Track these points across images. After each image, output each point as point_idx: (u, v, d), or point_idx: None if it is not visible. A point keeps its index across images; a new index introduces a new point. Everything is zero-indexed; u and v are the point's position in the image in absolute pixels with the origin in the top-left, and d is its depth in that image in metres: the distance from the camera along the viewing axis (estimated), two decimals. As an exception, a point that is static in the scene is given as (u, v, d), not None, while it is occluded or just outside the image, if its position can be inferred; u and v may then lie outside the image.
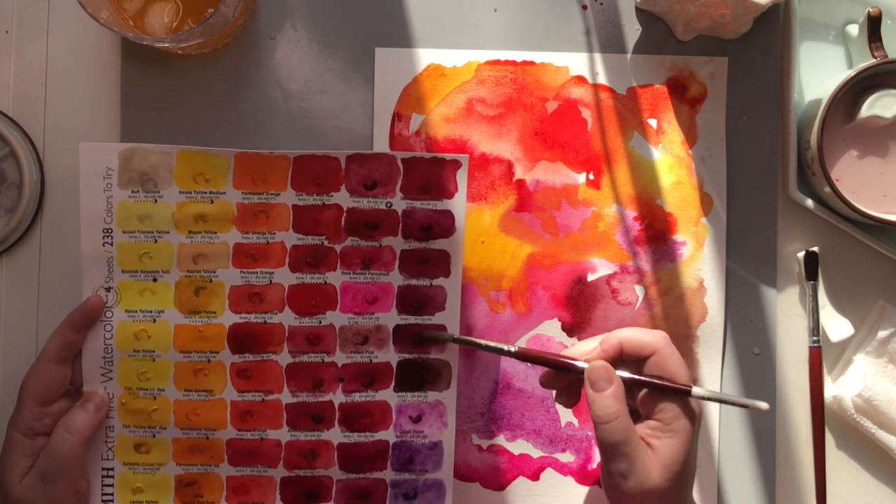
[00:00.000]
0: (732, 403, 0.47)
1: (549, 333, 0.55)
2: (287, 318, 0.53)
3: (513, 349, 0.50)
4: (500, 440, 0.55)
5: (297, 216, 0.52)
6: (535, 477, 0.55)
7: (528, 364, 0.55)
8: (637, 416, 0.48)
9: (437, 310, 0.53)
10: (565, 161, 0.55)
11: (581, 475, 0.55)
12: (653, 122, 0.55)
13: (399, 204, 0.52)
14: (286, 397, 0.53)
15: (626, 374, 0.48)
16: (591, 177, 0.55)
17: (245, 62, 0.55)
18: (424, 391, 0.53)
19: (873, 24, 0.53)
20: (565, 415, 0.55)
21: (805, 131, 0.54)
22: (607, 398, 0.46)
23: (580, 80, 0.55)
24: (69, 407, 0.51)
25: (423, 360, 0.53)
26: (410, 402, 0.53)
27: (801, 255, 0.55)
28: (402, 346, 0.53)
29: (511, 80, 0.55)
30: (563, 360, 0.49)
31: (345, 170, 0.52)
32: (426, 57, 0.55)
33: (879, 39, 0.53)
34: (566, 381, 0.50)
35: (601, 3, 0.56)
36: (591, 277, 0.55)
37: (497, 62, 0.55)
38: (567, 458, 0.55)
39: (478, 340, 0.52)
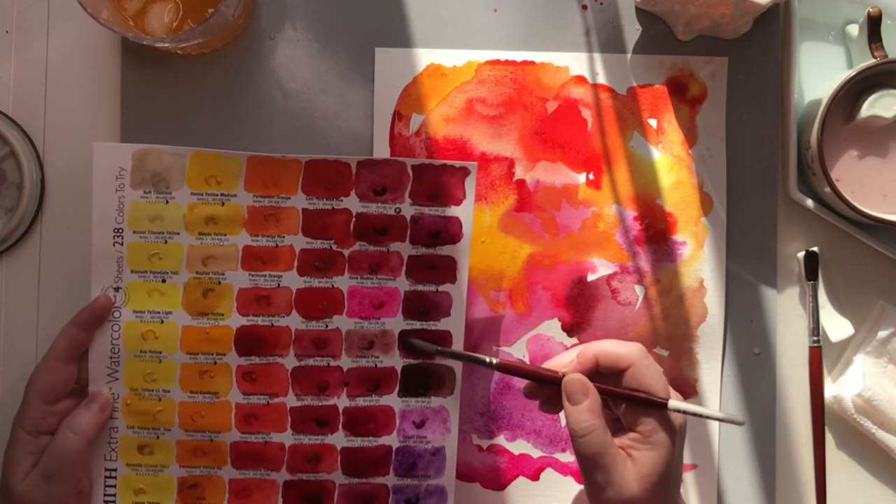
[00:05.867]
0: (708, 417, 0.47)
1: (550, 333, 0.55)
2: (294, 321, 0.53)
3: (494, 361, 0.50)
4: (500, 440, 0.55)
5: (306, 220, 0.53)
6: (535, 477, 0.55)
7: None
8: (621, 426, 0.48)
9: (443, 315, 0.53)
10: (565, 161, 0.55)
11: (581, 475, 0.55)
12: (653, 122, 0.55)
13: (408, 210, 0.52)
14: (291, 401, 0.53)
15: (604, 387, 0.48)
16: (591, 177, 0.55)
17: (245, 62, 0.55)
18: (428, 397, 0.53)
19: (873, 24, 0.53)
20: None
21: (805, 131, 0.54)
22: (583, 411, 0.46)
23: (580, 80, 0.55)
24: (75, 406, 0.51)
25: (428, 366, 0.53)
26: (414, 407, 0.53)
27: (801, 255, 0.55)
28: (406, 352, 0.53)
29: (511, 80, 0.55)
30: (541, 372, 0.49)
31: (355, 175, 0.52)
32: (426, 57, 0.55)
33: (879, 39, 0.53)
34: (548, 391, 0.50)
35: (601, 3, 0.56)
36: (591, 277, 0.55)
37: (497, 62, 0.55)
38: (567, 458, 0.55)
39: (459, 352, 0.52)
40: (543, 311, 0.55)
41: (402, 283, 0.53)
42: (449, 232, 0.53)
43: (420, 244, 0.53)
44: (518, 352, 0.55)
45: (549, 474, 0.55)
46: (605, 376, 0.48)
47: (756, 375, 0.55)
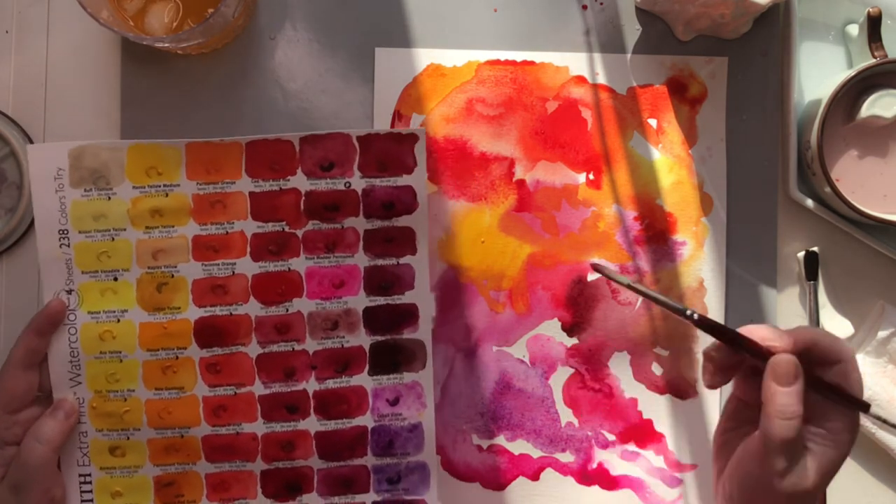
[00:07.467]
0: None
1: (549, 333, 0.55)
2: (253, 308, 0.52)
3: (695, 315, 0.44)
4: (500, 440, 0.55)
5: (254, 203, 0.52)
6: (535, 477, 0.55)
7: (536, 365, 0.55)
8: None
9: (406, 289, 0.53)
10: (565, 161, 0.55)
11: (581, 475, 0.55)
12: (653, 122, 0.55)
13: (358, 183, 0.52)
14: (259, 389, 0.53)
15: (817, 377, 0.44)
16: (591, 177, 0.55)
17: (245, 62, 0.55)
18: (400, 373, 0.53)
19: (873, 24, 0.53)
20: (565, 415, 0.55)
21: (805, 131, 0.54)
22: (792, 395, 0.43)
23: (580, 80, 0.55)
24: (40, 414, 0.50)
25: (396, 342, 0.53)
26: (386, 385, 0.53)
27: (801, 255, 0.55)
28: (373, 329, 0.53)
29: (511, 80, 0.55)
30: (747, 341, 0.44)
31: (299, 152, 0.52)
32: (426, 57, 0.55)
33: (879, 39, 0.53)
34: (734, 360, 0.45)
35: (601, 3, 0.56)
36: (591, 277, 0.55)
37: (497, 62, 0.55)
38: (567, 458, 0.55)
39: (656, 295, 0.45)
40: (543, 311, 0.55)
41: (361, 259, 0.52)
42: (403, 202, 0.52)
43: (375, 217, 0.52)
44: (518, 352, 0.55)
45: (549, 474, 0.55)
46: (806, 363, 0.44)
47: (756, 375, 0.55)
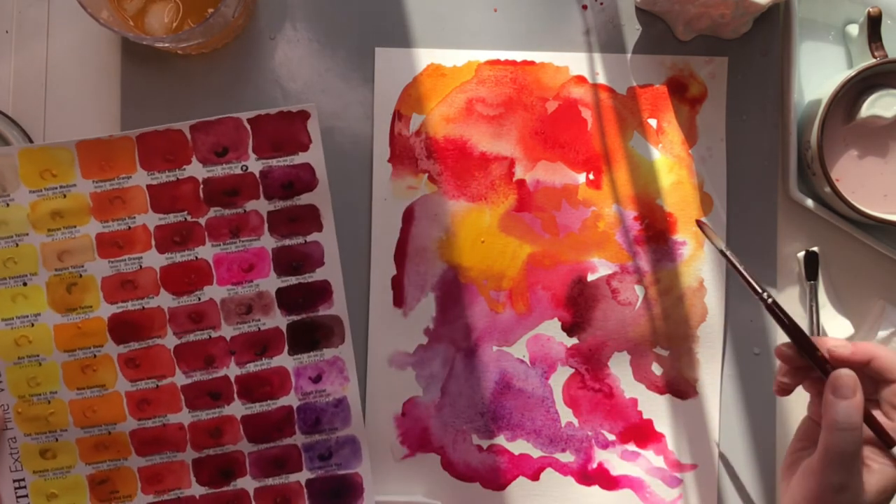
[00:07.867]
0: None
1: (549, 333, 0.55)
2: (165, 300, 0.53)
3: (769, 299, 0.46)
4: (500, 440, 0.55)
5: (153, 196, 0.52)
6: (535, 477, 0.55)
7: (536, 365, 0.55)
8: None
9: (317, 266, 0.53)
10: (565, 161, 0.55)
11: (581, 475, 0.55)
12: (653, 122, 0.55)
13: (254, 165, 0.52)
14: (180, 379, 0.53)
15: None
16: (591, 177, 0.55)
17: (245, 62, 0.55)
18: (320, 350, 0.54)
19: (873, 24, 0.53)
20: (565, 415, 0.55)
21: (805, 131, 0.54)
22: (850, 407, 0.43)
23: (580, 80, 0.55)
24: None
25: (313, 319, 0.53)
26: (307, 363, 0.54)
27: (801, 255, 0.55)
28: (288, 309, 0.53)
29: (511, 80, 0.55)
30: (809, 342, 0.45)
31: (191, 141, 0.52)
32: (426, 57, 0.55)
33: (879, 39, 0.53)
34: (800, 363, 0.46)
35: (601, 3, 0.56)
36: (591, 277, 0.55)
37: (497, 62, 0.55)
38: (567, 458, 0.55)
39: (740, 269, 0.47)
40: (543, 311, 0.55)
41: (268, 241, 0.53)
42: (302, 180, 0.53)
43: (276, 198, 0.53)
44: (518, 352, 0.55)
45: (549, 474, 0.55)
46: (865, 377, 0.45)
47: (756, 375, 0.55)
